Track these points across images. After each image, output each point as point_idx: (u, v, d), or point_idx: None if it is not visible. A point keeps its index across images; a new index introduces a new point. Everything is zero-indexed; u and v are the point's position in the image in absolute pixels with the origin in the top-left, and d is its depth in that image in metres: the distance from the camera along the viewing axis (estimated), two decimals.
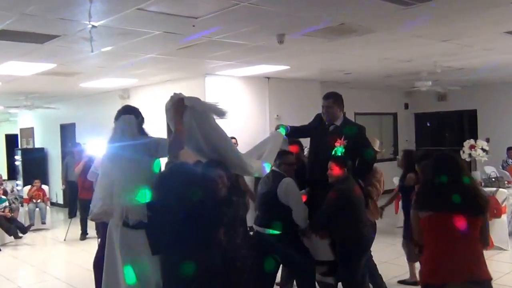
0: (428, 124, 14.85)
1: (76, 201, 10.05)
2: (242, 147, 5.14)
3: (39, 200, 10.77)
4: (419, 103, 14.47)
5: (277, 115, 9.85)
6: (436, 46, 6.94)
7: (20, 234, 9.26)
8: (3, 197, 9.55)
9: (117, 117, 3.90)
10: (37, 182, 10.99)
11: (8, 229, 9.14)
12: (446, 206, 3.14)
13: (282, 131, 4.88)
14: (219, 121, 3.93)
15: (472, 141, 8.68)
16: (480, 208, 3.18)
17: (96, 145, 9.05)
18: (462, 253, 3.12)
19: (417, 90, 10.93)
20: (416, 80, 9.95)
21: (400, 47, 7.01)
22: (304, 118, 5.42)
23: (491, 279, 3.17)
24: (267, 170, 4.36)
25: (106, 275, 3.75)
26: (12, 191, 10.43)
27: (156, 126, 4.15)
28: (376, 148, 5.46)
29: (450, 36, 6.42)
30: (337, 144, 4.69)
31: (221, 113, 3.87)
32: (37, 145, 15.46)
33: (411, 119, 14.89)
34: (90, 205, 3.80)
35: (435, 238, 3.21)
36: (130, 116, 3.84)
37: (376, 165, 5.20)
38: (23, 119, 16.19)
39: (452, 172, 3.25)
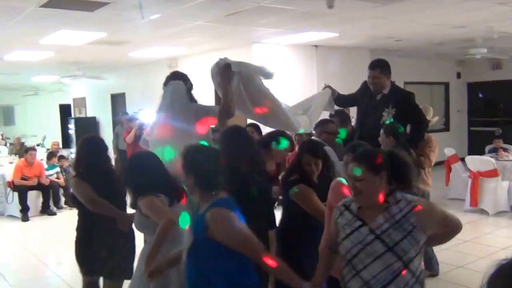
0: (481, 96, 14.30)
1: None
2: None
3: None
4: (472, 72, 13.94)
5: (325, 84, 9.69)
6: (492, 9, 6.61)
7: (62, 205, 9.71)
8: (55, 163, 9.89)
9: (165, 83, 3.88)
10: None
11: (56, 198, 9.53)
12: None
13: None
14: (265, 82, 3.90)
15: None
16: None
17: (147, 114, 9.26)
18: None
19: (470, 58, 10.54)
20: (470, 47, 9.57)
21: (454, 11, 6.72)
22: (352, 87, 5.31)
23: None
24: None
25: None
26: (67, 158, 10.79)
27: (204, 95, 4.13)
28: (429, 117, 5.31)
29: None
30: (384, 114, 4.62)
31: (268, 75, 3.83)
32: (89, 114, 15.94)
33: (463, 89, 14.38)
34: None
35: None
36: (179, 82, 3.81)
37: (430, 134, 5.07)
38: (76, 89, 16.65)
39: None
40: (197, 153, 2.59)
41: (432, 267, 5.18)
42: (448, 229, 2.49)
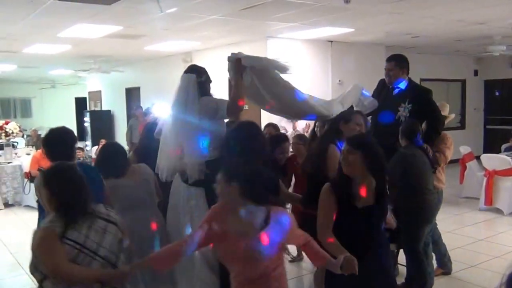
0: (497, 93, 14.13)
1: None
2: None
3: None
4: (489, 70, 13.77)
5: (340, 80, 9.67)
6: None
7: None
8: None
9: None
10: (102, 141, 11.41)
11: None
12: None
13: None
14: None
15: None
16: None
17: (161, 108, 9.30)
18: None
19: (488, 56, 10.41)
20: (489, 44, 9.45)
21: (473, 7, 6.64)
22: (367, 84, 5.26)
23: None
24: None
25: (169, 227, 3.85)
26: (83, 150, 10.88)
27: (218, 89, 4.12)
28: (445, 113, 5.27)
29: None
30: (400, 109, 4.60)
31: (282, 69, 3.81)
32: (104, 108, 16.05)
33: (480, 87, 14.22)
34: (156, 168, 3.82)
35: None
36: (190, 75, 3.76)
37: (446, 132, 5.04)
38: (91, 82, 16.78)
39: None
40: (50, 132, 3.55)
41: (445, 264, 5.15)
42: None
